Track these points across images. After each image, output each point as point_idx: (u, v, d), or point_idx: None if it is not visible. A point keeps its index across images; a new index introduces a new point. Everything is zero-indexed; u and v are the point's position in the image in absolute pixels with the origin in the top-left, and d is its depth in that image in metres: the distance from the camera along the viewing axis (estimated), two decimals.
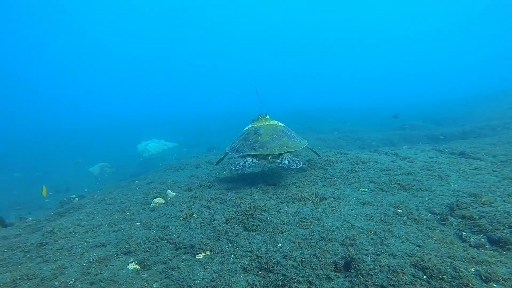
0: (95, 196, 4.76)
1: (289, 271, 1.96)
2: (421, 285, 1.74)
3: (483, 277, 1.81)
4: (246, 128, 4.52)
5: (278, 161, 3.78)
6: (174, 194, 3.91)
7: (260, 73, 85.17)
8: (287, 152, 3.83)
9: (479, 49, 68.18)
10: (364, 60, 77.30)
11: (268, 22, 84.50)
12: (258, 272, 2.01)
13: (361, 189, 3.54)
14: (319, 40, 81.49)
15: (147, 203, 3.71)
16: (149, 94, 74.26)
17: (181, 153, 12.97)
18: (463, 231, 2.44)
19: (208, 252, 2.34)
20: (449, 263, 1.92)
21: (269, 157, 3.91)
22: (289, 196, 3.33)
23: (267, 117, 4.84)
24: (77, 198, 5.53)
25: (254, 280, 1.93)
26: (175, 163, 6.64)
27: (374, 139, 9.59)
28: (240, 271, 2.04)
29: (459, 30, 71.23)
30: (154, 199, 3.65)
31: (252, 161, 3.86)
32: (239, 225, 2.71)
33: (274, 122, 4.49)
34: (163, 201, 3.65)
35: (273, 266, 2.02)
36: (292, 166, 3.59)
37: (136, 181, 5.69)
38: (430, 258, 1.95)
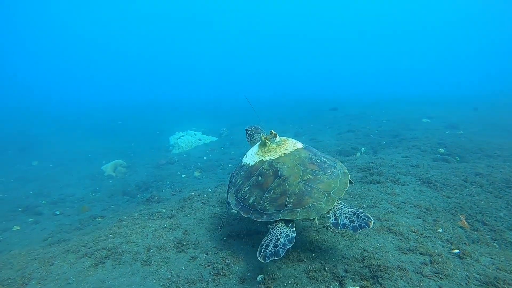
0: None
1: None
2: None
3: None
4: (251, 160, 2.52)
5: (331, 221, 2.08)
6: None
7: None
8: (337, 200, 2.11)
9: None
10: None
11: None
12: None
13: None
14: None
15: None
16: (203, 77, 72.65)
17: (212, 156, 9.67)
18: None
19: None
20: None
21: (316, 220, 2.11)
22: None
23: (278, 139, 2.58)
24: None
25: None
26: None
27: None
28: None
29: None
30: None
31: (286, 235, 1.98)
32: None
33: (292, 146, 2.52)
34: None
35: None
36: (362, 226, 1.91)
37: None
38: None
